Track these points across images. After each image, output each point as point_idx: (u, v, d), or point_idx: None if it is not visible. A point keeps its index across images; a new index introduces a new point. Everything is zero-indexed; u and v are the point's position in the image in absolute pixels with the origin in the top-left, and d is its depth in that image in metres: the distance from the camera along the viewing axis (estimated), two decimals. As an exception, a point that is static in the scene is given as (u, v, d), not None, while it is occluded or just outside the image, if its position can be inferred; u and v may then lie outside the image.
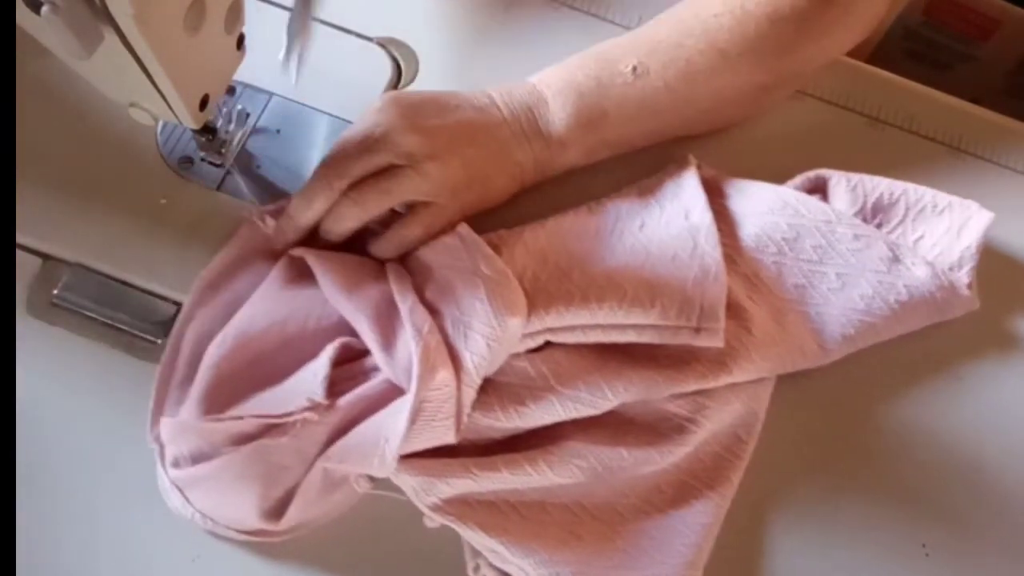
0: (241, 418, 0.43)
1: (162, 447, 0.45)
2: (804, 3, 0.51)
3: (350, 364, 0.45)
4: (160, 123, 0.53)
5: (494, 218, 0.51)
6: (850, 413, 0.50)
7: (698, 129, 0.55)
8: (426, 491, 0.43)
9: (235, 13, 0.44)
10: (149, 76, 0.41)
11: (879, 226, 0.52)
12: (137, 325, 0.48)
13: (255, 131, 0.54)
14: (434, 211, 0.48)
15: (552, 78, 0.51)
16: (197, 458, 0.43)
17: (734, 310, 0.48)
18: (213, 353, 0.45)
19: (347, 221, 0.47)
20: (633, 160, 0.54)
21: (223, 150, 0.52)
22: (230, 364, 0.44)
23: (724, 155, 0.55)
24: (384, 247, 0.48)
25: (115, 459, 0.46)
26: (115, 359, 0.48)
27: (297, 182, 0.52)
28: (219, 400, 0.44)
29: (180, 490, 0.44)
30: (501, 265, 0.45)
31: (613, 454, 0.45)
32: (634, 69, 0.50)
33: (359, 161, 0.46)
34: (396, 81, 0.57)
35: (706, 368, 0.47)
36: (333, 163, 0.47)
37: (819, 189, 0.54)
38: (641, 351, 0.47)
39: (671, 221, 0.50)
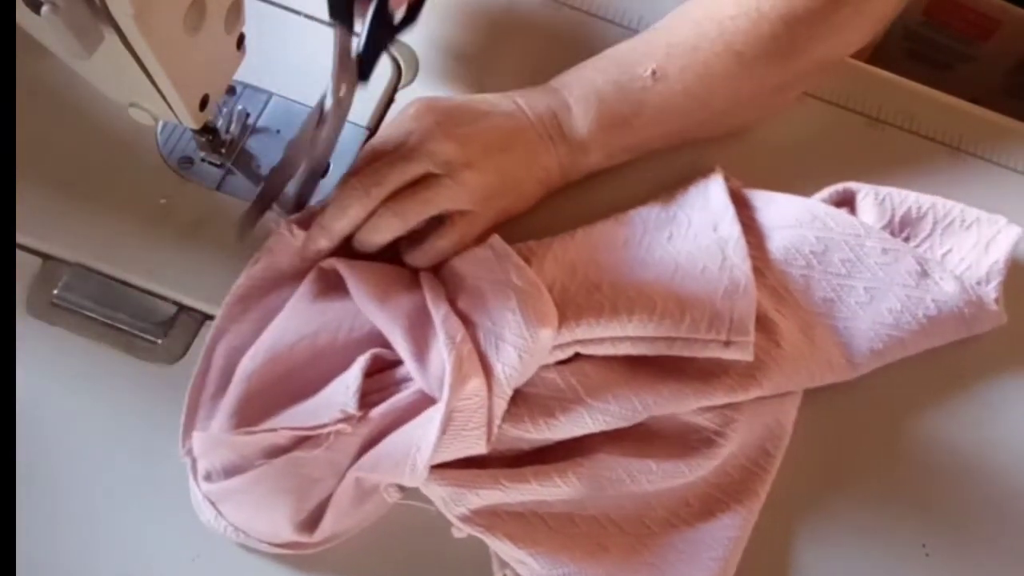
0: (274, 431, 0.42)
1: (194, 461, 0.44)
2: (818, 4, 0.50)
3: (382, 375, 0.45)
4: (160, 123, 0.53)
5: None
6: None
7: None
8: (455, 501, 0.43)
9: (235, 13, 0.44)
10: (149, 76, 0.41)
11: (906, 240, 0.52)
12: (137, 325, 0.48)
13: (255, 131, 0.54)
14: (469, 219, 0.48)
15: (573, 82, 0.51)
16: (230, 471, 0.43)
17: (763, 323, 0.48)
18: (245, 367, 0.45)
19: (385, 233, 0.47)
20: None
21: (223, 150, 0.52)
22: (262, 378, 0.44)
23: (723, 156, 0.55)
24: (419, 257, 0.48)
25: (115, 459, 0.46)
26: (115, 359, 0.48)
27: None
28: (251, 413, 0.44)
29: (212, 504, 0.44)
30: (532, 276, 0.45)
31: (642, 467, 0.45)
32: (653, 73, 0.50)
33: (396, 169, 0.46)
34: (396, 81, 0.57)
35: (735, 381, 0.46)
36: (368, 170, 0.46)
37: (847, 202, 0.54)
38: (670, 364, 0.47)
39: (699, 233, 0.50)
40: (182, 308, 0.49)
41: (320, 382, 0.44)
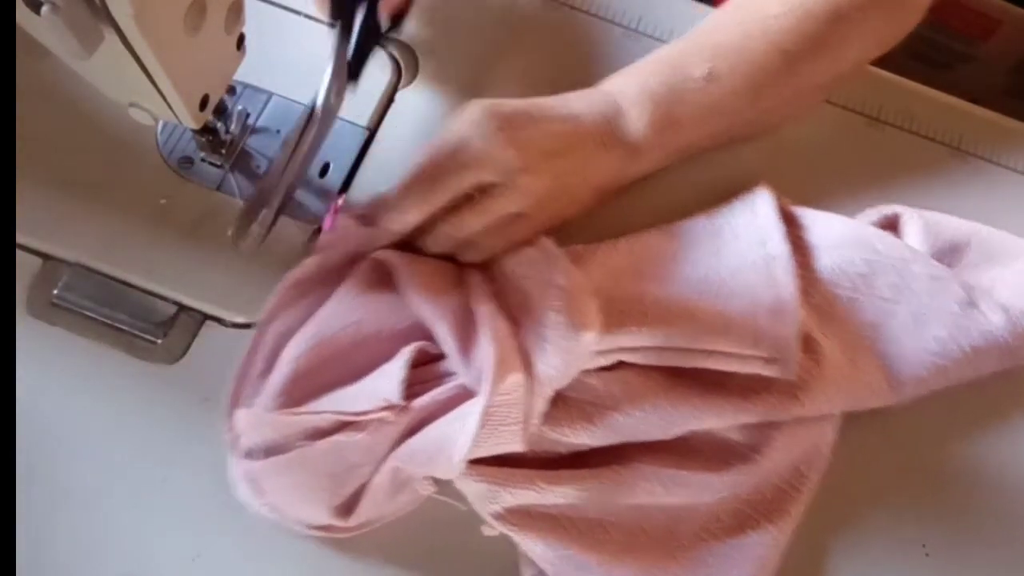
0: (317, 414, 0.43)
1: (236, 438, 0.45)
2: (863, 1, 0.50)
3: (426, 367, 0.45)
4: (160, 123, 0.53)
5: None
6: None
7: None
8: (490, 499, 0.44)
9: (235, 13, 0.44)
10: (149, 76, 0.41)
11: (950, 266, 0.52)
12: (137, 325, 0.48)
13: (255, 131, 0.54)
14: (522, 222, 0.48)
15: (626, 86, 0.51)
16: (271, 451, 0.43)
17: (806, 343, 0.47)
18: (292, 351, 0.45)
19: (443, 244, 0.48)
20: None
21: (223, 150, 0.52)
22: (308, 362, 0.45)
23: (723, 156, 0.55)
24: (470, 254, 0.48)
25: (115, 459, 0.46)
26: (115, 359, 0.48)
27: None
28: (295, 395, 0.44)
29: (250, 482, 0.44)
30: (579, 279, 0.45)
31: (676, 478, 0.45)
32: (708, 74, 0.50)
33: (457, 176, 0.46)
34: (396, 81, 0.57)
35: (776, 399, 0.46)
36: (428, 177, 0.46)
37: (891, 226, 0.53)
38: (711, 378, 0.46)
39: (747, 249, 0.50)
40: (182, 308, 0.49)
41: (364, 370, 0.45)
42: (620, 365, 0.46)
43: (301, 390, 0.44)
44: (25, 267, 0.49)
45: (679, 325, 0.45)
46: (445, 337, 0.44)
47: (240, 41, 0.46)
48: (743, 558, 0.45)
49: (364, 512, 0.44)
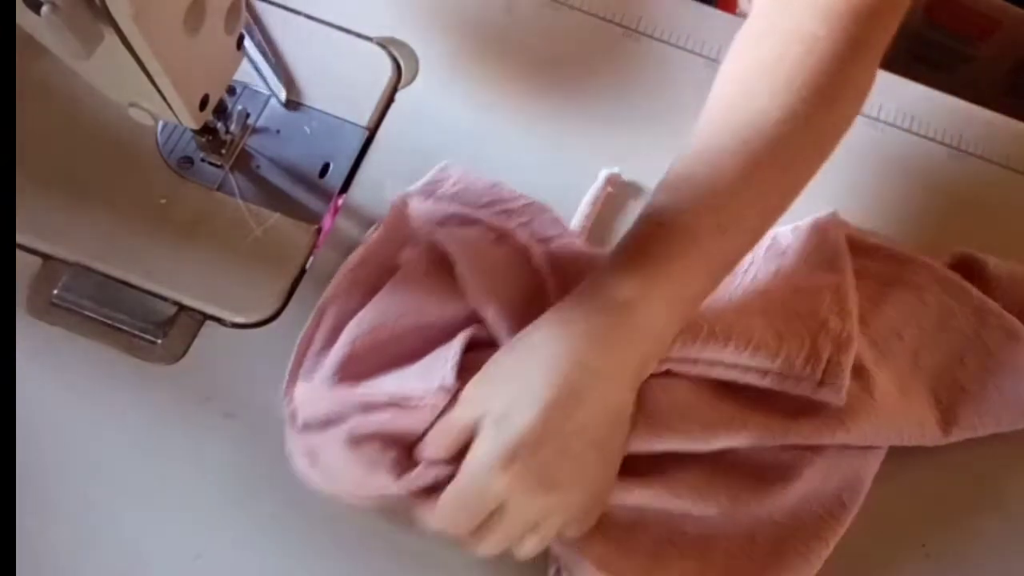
0: (373, 393, 0.44)
1: (294, 411, 0.46)
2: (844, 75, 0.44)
3: (479, 352, 0.45)
4: (160, 123, 0.53)
5: None
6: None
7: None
8: None
9: (235, 13, 0.44)
10: (149, 76, 0.41)
11: None
12: (137, 325, 0.48)
13: (255, 131, 0.54)
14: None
15: (665, 325, 0.43)
16: (327, 423, 0.44)
17: (859, 372, 0.47)
18: (351, 331, 0.46)
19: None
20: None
21: (223, 150, 0.52)
22: (364, 343, 0.46)
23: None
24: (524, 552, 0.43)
25: (115, 459, 0.46)
26: (115, 359, 0.48)
27: (297, 182, 0.53)
28: (353, 372, 0.45)
29: (308, 455, 0.44)
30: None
31: (711, 491, 0.45)
32: (718, 228, 0.43)
33: (497, 536, 0.42)
34: (396, 81, 0.57)
35: (822, 423, 0.46)
36: (467, 537, 0.42)
37: (966, 267, 0.53)
38: (759, 397, 0.46)
39: (808, 272, 0.50)
40: (182, 308, 0.49)
41: (420, 353, 0.45)
42: (668, 374, 0.46)
43: (358, 368, 0.45)
44: (25, 267, 0.49)
45: (733, 341, 0.45)
46: (497, 320, 0.45)
47: (240, 41, 0.46)
48: None
49: (419, 477, 0.43)
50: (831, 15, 0.43)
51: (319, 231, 0.52)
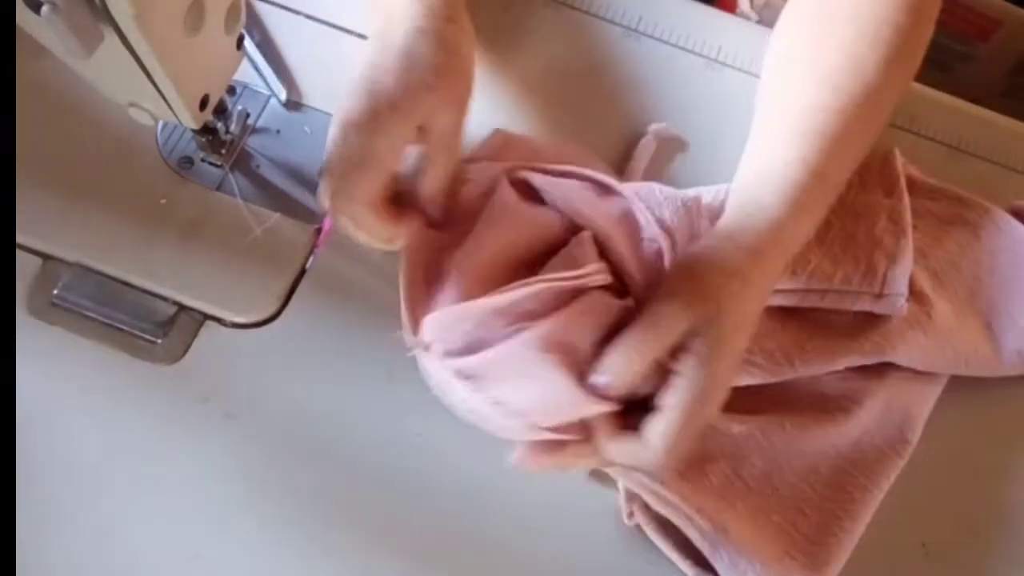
0: (529, 284, 0.38)
1: (427, 345, 0.40)
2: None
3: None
4: (160, 123, 0.53)
5: None
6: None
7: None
8: None
9: (235, 13, 0.44)
10: (149, 76, 0.41)
11: None
12: (137, 325, 0.48)
13: (255, 131, 0.54)
14: None
15: (790, 256, 0.44)
16: (473, 347, 0.39)
17: (917, 295, 0.49)
18: (456, 267, 0.41)
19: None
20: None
21: (223, 150, 0.52)
22: (477, 272, 0.41)
23: (721, 155, 0.55)
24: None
25: (115, 458, 0.46)
26: (115, 359, 0.48)
27: (297, 182, 0.53)
28: (480, 293, 0.40)
29: (469, 378, 0.39)
30: None
31: (774, 422, 0.46)
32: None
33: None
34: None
35: (882, 338, 0.47)
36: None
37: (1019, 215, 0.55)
38: (818, 319, 0.48)
39: (862, 196, 0.51)
40: (182, 308, 0.49)
41: (536, 267, 0.41)
42: None
43: (480, 293, 0.40)
44: (25, 267, 0.49)
45: (796, 268, 0.46)
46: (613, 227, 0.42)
47: (240, 41, 0.46)
48: (844, 513, 0.46)
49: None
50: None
51: (319, 231, 0.52)
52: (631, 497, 0.45)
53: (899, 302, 0.47)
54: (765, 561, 0.44)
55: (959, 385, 0.51)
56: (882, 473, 0.47)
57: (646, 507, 0.45)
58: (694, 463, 0.45)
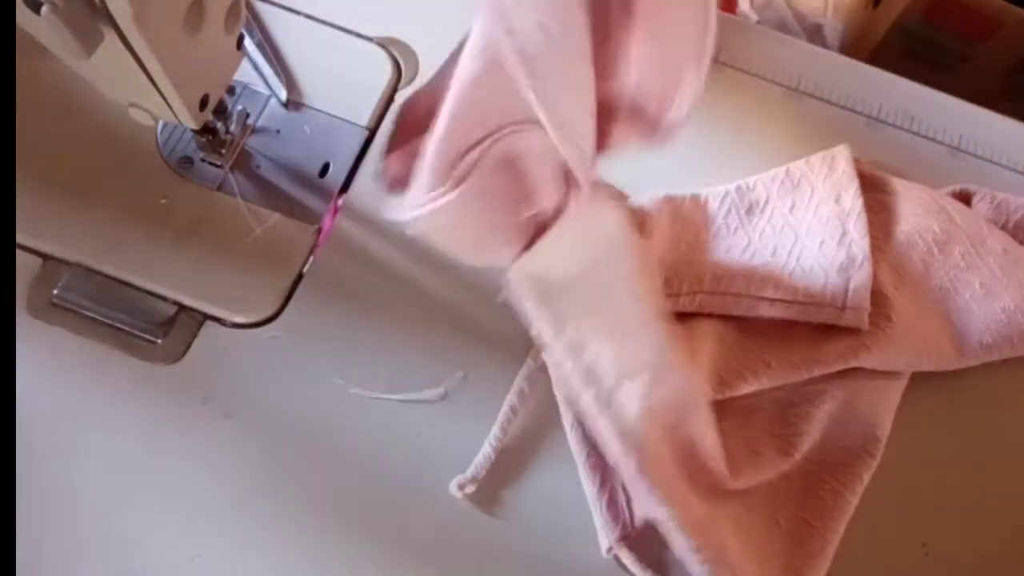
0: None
1: (393, 177, 0.39)
2: None
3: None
4: (160, 123, 0.53)
5: None
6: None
7: None
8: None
9: (235, 13, 0.44)
10: (149, 76, 0.41)
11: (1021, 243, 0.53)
12: (137, 325, 0.48)
13: (255, 131, 0.54)
14: None
15: None
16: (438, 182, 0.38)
17: (877, 297, 0.49)
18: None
19: None
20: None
21: (223, 150, 0.52)
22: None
23: (721, 154, 0.55)
24: None
25: (115, 459, 0.46)
26: (115, 359, 0.48)
27: (297, 182, 0.53)
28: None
29: (420, 214, 0.38)
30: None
31: (736, 445, 0.45)
32: None
33: None
34: (396, 81, 0.57)
35: (845, 348, 0.47)
36: None
37: (963, 200, 0.55)
38: (781, 333, 0.48)
39: (821, 203, 0.52)
40: (182, 308, 0.49)
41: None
42: (694, 315, 0.48)
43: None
44: (25, 267, 0.49)
45: (744, 277, 0.47)
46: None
47: (240, 41, 0.46)
48: (818, 522, 0.46)
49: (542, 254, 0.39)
50: None
51: (319, 231, 0.52)
52: (609, 527, 0.45)
53: (864, 315, 0.47)
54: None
55: (959, 385, 0.51)
56: (854, 475, 0.47)
57: (624, 538, 0.45)
58: (682, 462, 0.44)
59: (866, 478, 0.47)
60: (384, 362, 0.49)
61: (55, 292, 0.48)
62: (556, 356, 0.41)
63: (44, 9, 0.35)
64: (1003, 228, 0.53)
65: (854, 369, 0.48)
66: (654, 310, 0.42)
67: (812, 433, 0.47)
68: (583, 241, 0.41)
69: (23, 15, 0.36)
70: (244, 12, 0.45)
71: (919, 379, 0.51)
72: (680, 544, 0.42)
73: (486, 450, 0.46)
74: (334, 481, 0.46)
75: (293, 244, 0.51)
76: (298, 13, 0.57)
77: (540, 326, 0.41)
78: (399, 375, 0.49)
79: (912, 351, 0.49)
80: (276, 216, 0.51)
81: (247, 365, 0.48)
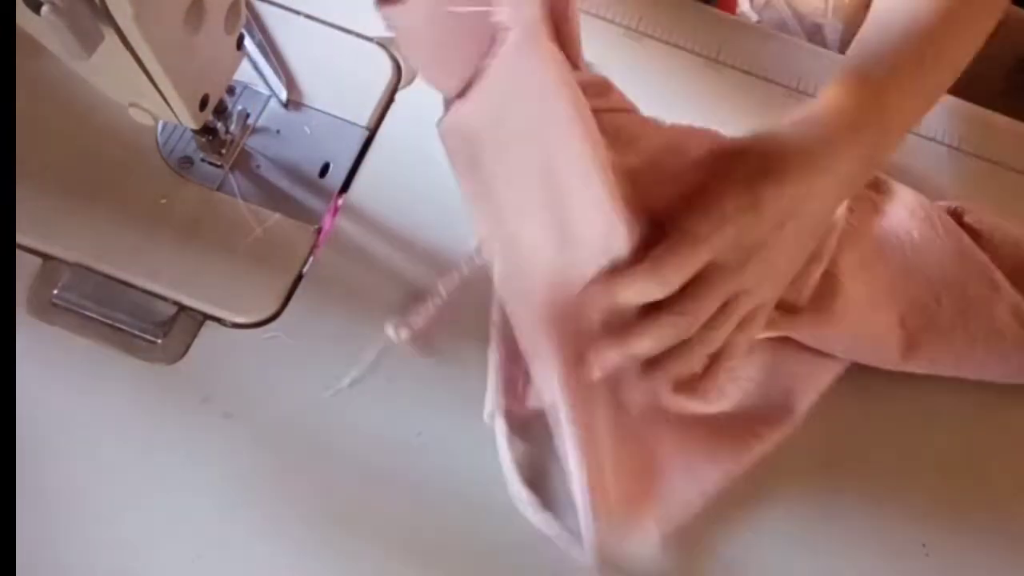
0: None
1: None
2: None
3: None
4: (160, 123, 0.53)
5: None
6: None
7: None
8: None
9: (235, 13, 0.44)
10: (149, 76, 0.41)
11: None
12: (137, 325, 0.48)
13: (255, 131, 0.54)
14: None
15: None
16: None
17: (827, 279, 0.48)
18: None
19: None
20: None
21: (223, 150, 0.52)
22: None
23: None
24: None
25: (115, 459, 0.46)
26: (115, 359, 0.48)
27: (297, 182, 0.53)
28: None
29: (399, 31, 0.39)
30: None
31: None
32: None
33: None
34: (396, 81, 0.57)
35: (778, 315, 0.47)
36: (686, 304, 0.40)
37: (954, 216, 0.54)
38: None
39: None
40: (182, 308, 0.49)
41: None
42: None
43: None
44: (25, 267, 0.49)
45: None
46: None
47: (240, 41, 0.46)
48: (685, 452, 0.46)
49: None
50: None
51: (319, 231, 0.52)
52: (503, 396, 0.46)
53: (801, 291, 0.47)
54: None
55: (960, 385, 0.51)
56: (753, 433, 0.47)
57: (509, 413, 0.46)
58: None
59: (766, 441, 0.47)
60: (384, 362, 0.49)
61: (55, 292, 0.48)
62: (478, 218, 0.42)
63: (44, 9, 0.35)
64: (984, 250, 0.52)
65: (786, 339, 0.49)
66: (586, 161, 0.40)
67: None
68: (507, 88, 0.39)
69: (23, 15, 0.36)
70: (244, 12, 0.45)
71: (919, 379, 0.51)
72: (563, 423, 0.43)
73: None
74: (334, 481, 0.46)
75: (293, 244, 0.51)
76: (298, 13, 0.57)
77: (466, 188, 0.41)
78: (399, 374, 0.48)
79: (848, 338, 0.49)
80: (276, 216, 0.51)
81: (247, 365, 0.48)
